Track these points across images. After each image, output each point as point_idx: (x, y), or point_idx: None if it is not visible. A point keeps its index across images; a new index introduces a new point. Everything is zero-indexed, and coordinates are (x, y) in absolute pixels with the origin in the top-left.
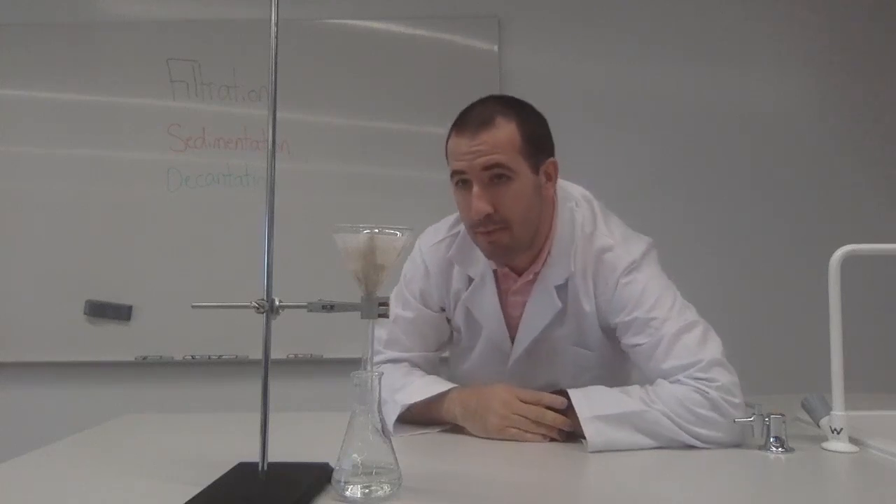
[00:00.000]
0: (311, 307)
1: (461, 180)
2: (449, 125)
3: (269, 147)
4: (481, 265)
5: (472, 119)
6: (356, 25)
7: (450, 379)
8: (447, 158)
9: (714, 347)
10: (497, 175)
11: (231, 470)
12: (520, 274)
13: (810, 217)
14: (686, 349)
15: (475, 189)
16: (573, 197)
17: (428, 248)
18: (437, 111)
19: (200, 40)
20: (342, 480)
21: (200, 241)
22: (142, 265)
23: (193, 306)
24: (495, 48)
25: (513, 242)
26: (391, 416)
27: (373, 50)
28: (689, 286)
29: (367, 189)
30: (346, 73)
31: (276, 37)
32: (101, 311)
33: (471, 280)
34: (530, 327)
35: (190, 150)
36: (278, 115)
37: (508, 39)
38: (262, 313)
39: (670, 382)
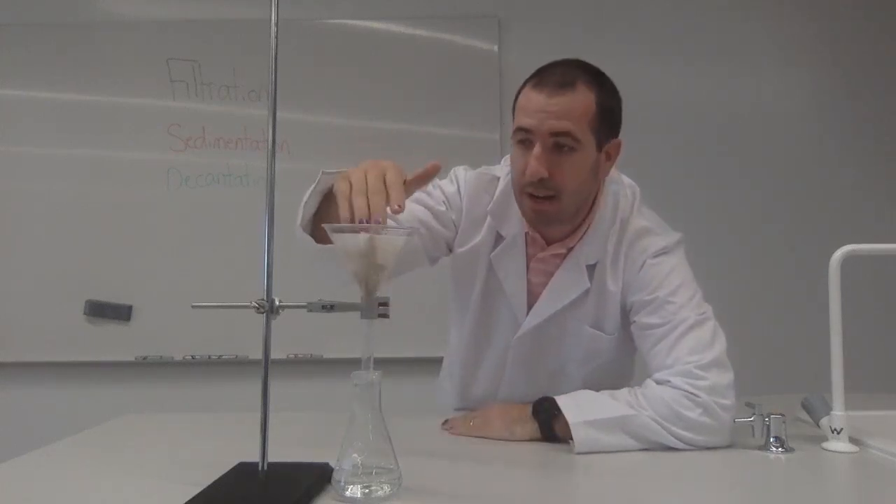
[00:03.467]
0: (311, 307)
1: (524, 139)
2: (449, 125)
3: (269, 147)
4: (515, 225)
5: (552, 77)
6: (356, 25)
7: (448, 348)
8: (514, 112)
9: (719, 346)
10: (561, 143)
11: (231, 470)
12: (549, 243)
13: (810, 217)
14: (692, 345)
15: (536, 150)
16: (620, 182)
17: (469, 175)
18: (437, 111)
19: (200, 40)
20: (342, 480)
21: (200, 241)
22: (142, 265)
23: (193, 306)
24: (495, 48)
25: (557, 213)
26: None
27: (373, 50)
28: None
29: None
30: (346, 73)
31: (276, 37)
32: (101, 311)
33: (498, 237)
34: (551, 301)
35: (190, 150)
36: (278, 115)
37: (508, 39)
38: (262, 313)
39: (660, 383)
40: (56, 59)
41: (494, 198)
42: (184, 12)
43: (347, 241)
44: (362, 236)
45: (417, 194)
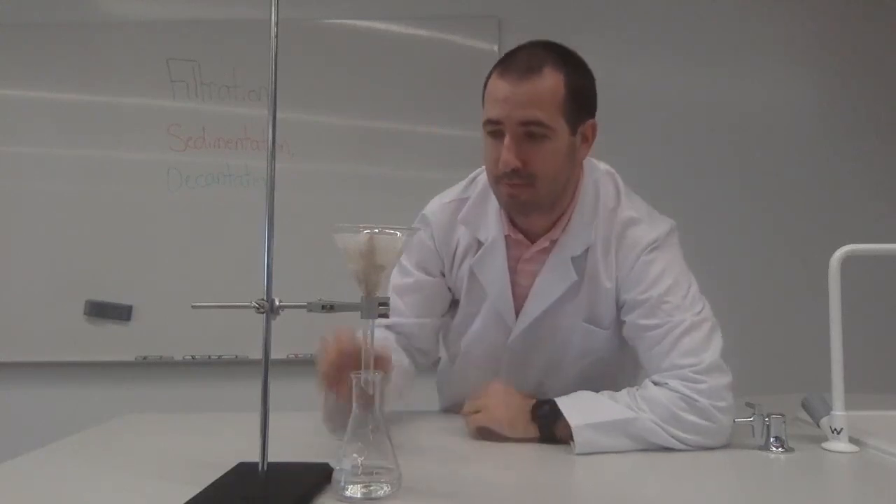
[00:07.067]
0: (311, 307)
1: (494, 130)
2: (449, 125)
3: (269, 147)
4: (493, 229)
5: (517, 63)
6: (356, 25)
7: (446, 359)
8: (483, 102)
9: (715, 348)
10: (532, 133)
11: (231, 470)
12: (533, 241)
13: (810, 217)
14: (689, 347)
15: (506, 140)
16: (598, 169)
17: (434, 208)
18: (437, 111)
19: (200, 40)
20: (342, 480)
21: (200, 241)
22: (142, 265)
23: (193, 306)
24: (495, 48)
25: (535, 199)
26: None
27: (373, 50)
28: None
29: (367, 189)
30: (346, 73)
31: (276, 37)
32: (101, 311)
33: (479, 244)
34: (540, 298)
35: (190, 150)
36: (278, 115)
37: (508, 39)
38: (262, 313)
39: (658, 385)
40: (56, 59)
41: (466, 207)
42: (184, 12)
43: (348, 241)
44: (362, 236)
45: (397, 280)
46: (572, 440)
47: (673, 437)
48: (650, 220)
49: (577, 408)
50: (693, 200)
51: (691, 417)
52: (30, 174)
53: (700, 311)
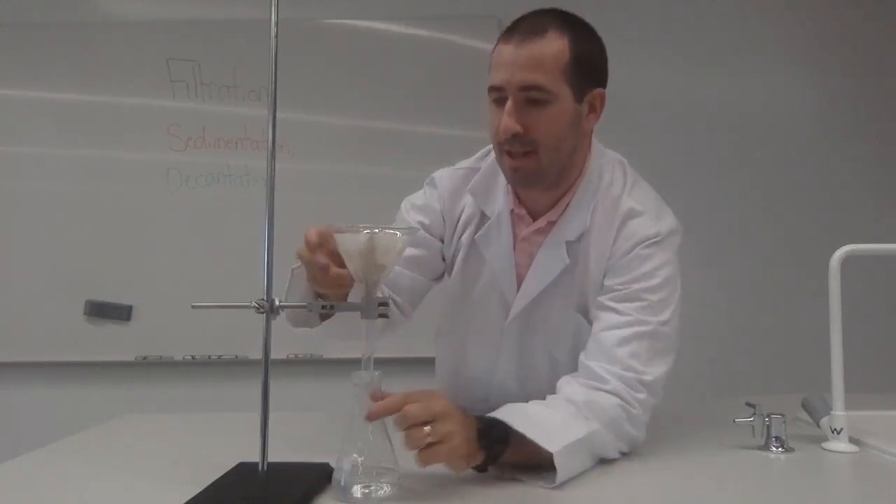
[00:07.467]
0: (311, 307)
1: (498, 97)
2: (449, 125)
3: (269, 147)
4: (500, 203)
5: (522, 26)
6: (356, 25)
7: (436, 343)
8: (489, 71)
9: (665, 368)
10: (533, 98)
11: (231, 470)
12: (535, 219)
13: (810, 217)
14: (643, 354)
15: (508, 104)
16: (606, 155)
17: (443, 174)
18: (437, 111)
19: (200, 40)
20: (342, 480)
21: (200, 241)
22: (142, 265)
23: (193, 306)
24: None
25: (538, 168)
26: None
27: (373, 50)
28: (688, 287)
29: (367, 189)
30: (346, 73)
31: (276, 37)
32: (101, 311)
33: (482, 217)
34: (537, 280)
35: (190, 150)
36: (278, 115)
37: None
38: (262, 313)
39: (595, 388)
40: (56, 59)
41: (476, 177)
42: (184, 12)
43: (348, 241)
44: (363, 236)
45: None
46: (523, 469)
47: (615, 447)
48: (656, 214)
49: (543, 429)
50: (693, 200)
51: (627, 427)
52: (30, 174)
53: (666, 323)
